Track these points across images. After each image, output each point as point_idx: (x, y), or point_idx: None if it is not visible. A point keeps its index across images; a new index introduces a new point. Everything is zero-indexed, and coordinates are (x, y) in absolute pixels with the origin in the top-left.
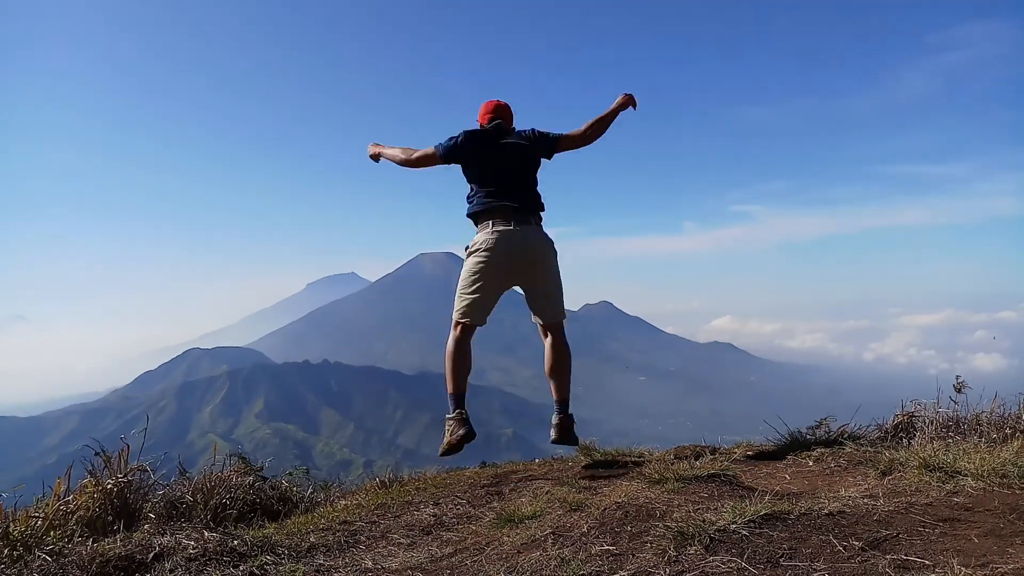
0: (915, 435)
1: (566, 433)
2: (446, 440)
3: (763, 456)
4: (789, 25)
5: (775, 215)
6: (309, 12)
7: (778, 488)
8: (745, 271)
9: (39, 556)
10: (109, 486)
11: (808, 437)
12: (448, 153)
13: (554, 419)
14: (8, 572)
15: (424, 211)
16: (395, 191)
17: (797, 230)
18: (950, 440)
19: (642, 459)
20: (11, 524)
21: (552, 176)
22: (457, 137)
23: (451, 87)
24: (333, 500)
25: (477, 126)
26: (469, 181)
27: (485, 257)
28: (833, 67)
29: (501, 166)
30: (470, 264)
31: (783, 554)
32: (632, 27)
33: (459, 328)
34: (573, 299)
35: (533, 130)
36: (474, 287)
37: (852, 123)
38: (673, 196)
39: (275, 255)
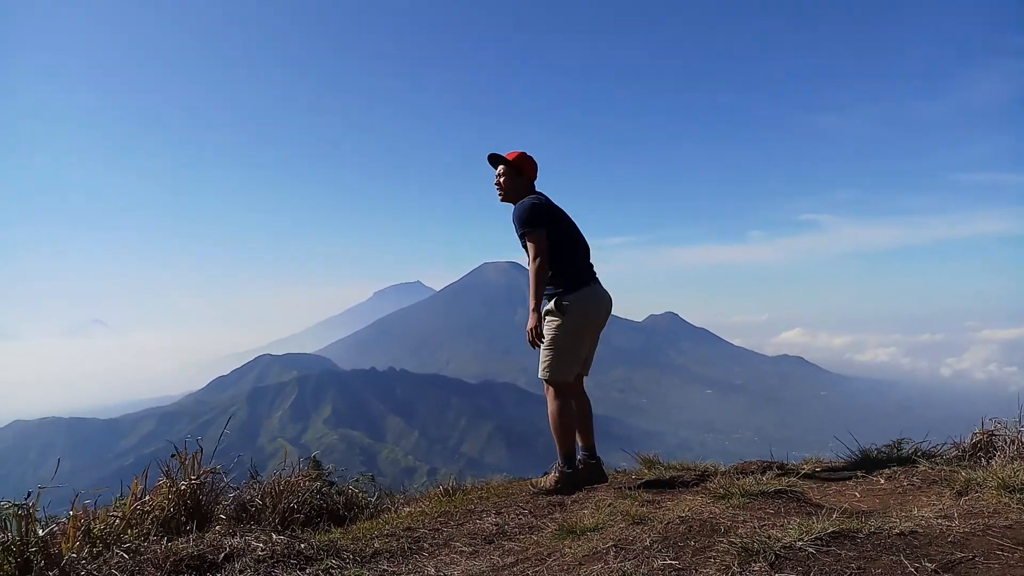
0: (994, 455)
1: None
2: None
3: (832, 473)
4: (860, 28)
5: (845, 225)
6: (397, 35)
7: (847, 506)
8: (814, 282)
9: (117, 553)
10: (183, 487)
11: (880, 454)
12: (549, 228)
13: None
14: (89, 568)
15: (488, 221)
16: (460, 200)
17: (868, 240)
18: None
19: (706, 473)
20: (92, 522)
21: (616, 183)
22: (541, 207)
23: (526, 104)
24: (397, 507)
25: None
26: (554, 243)
27: (594, 320)
28: (907, 71)
29: (576, 230)
30: (576, 326)
31: (851, 574)
32: (700, 31)
33: (564, 389)
34: (637, 309)
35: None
36: (579, 348)
37: (926, 130)
38: (739, 205)
39: (344, 264)
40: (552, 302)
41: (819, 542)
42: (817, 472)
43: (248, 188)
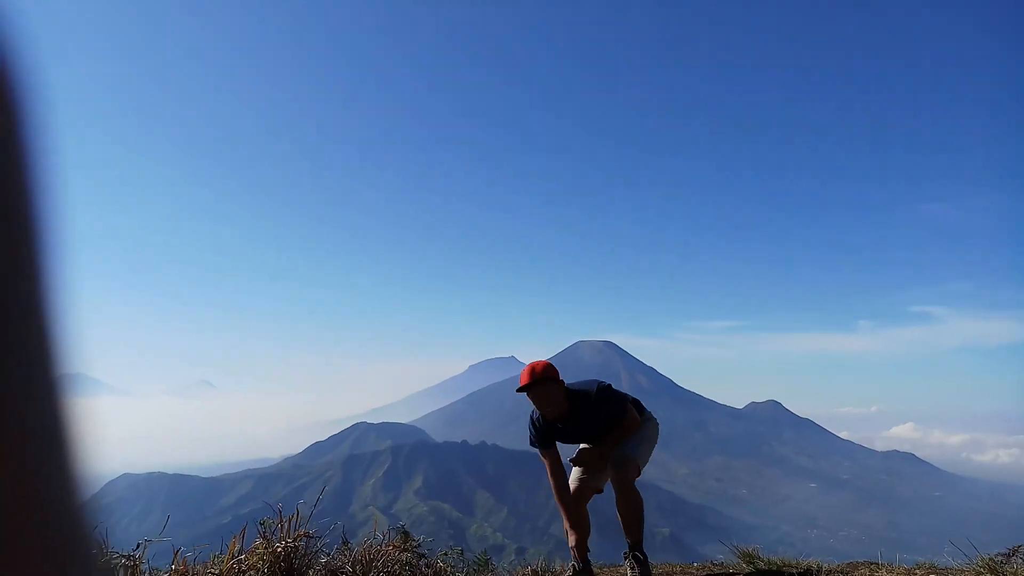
0: None
1: None
2: None
3: None
4: (977, 115)
5: (959, 317)
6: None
7: None
8: (927, 376)
9: None
10: (279, 549)
11: (1002, 563)
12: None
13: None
14: None
15: (583, 299)
16: (555, 278)
17: (984, 334)
18: None
19: (810, 572)
20: None
21: (722, 266)
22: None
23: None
24: None
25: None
26: None
27: None
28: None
29: None
30: (655, 434)
31: None
32: (815, 115)
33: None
34: (738, 397)
35: None
36: None
37: None
38: (848, 293)
39: (441, 337)
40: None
41: None
42: None
43: (354, 261)
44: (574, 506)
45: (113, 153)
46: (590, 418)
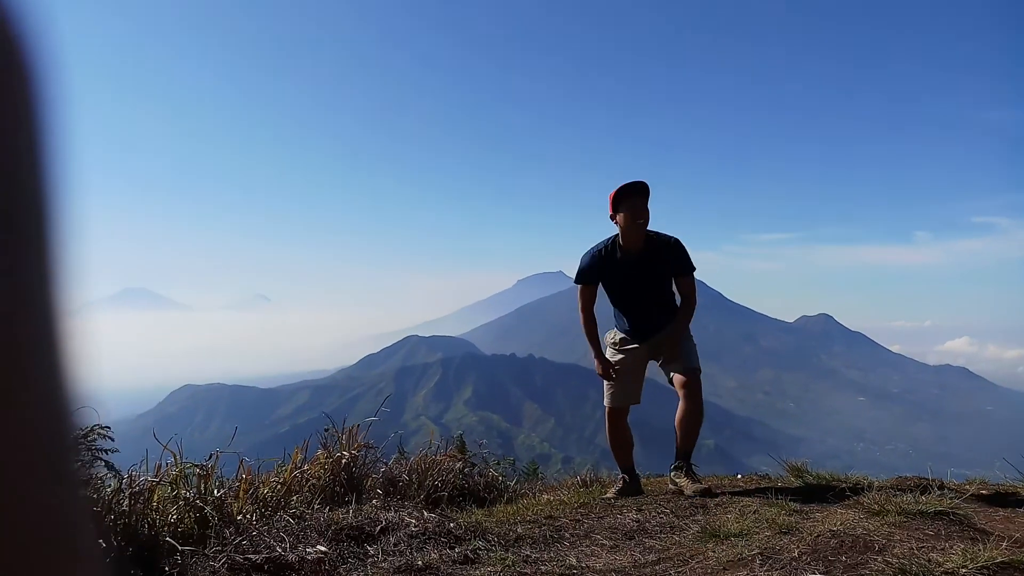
0: None
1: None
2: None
3: (1000, 497)
4: None
5: (1021, 228)
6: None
7: (1017, 535)
8: (985, 289)
9: (284, 518)
10: (342, 460)
11: None
12: None
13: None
14: (260, 528)
15: None
16: (603, 192)
17: None
18: None
19: (859, 487)
20: (260, 486)
21: (774, 177)
22: None
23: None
24: (537, 493)
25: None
26: None
27: None
28: None
29: None
30: None
31: None
32: (869, 25)
33: None
34: (789, 310)
35: None
36: None
37: None
38: (905, 204)
39: (490, 251)
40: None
41: (985, 571)
42: (983, 494)
43: (407, 176)
44: (619, 420)
45: (164, 55)
46: (660, 262)
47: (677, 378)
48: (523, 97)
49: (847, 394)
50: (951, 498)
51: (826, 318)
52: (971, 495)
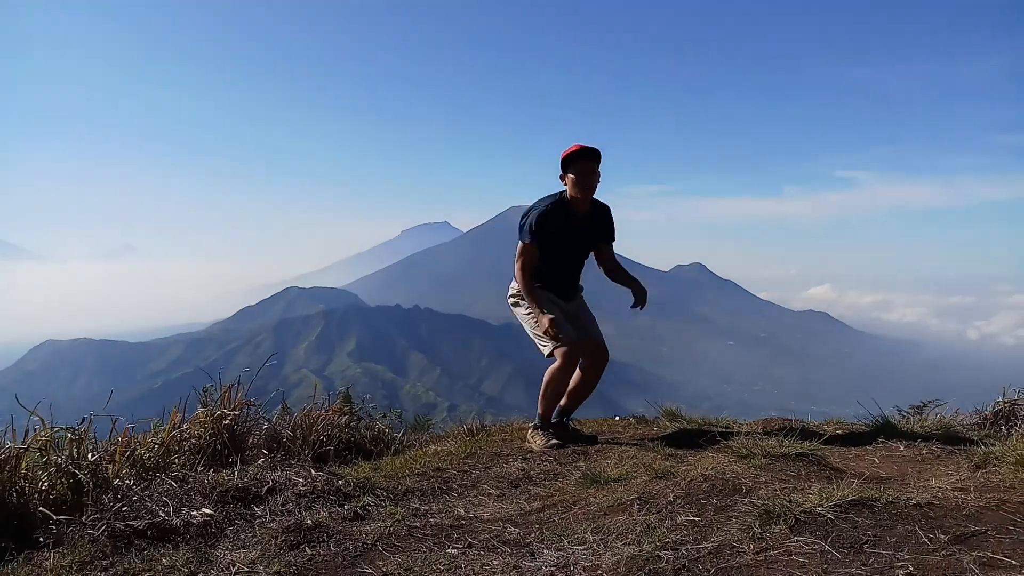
0: (1017, 424)
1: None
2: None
3: (853, 436)
4: None
5: (881, 183)
6: None
7: (867, 472)
8: (847, 239)
9: (165, 481)
10: (224, 421)
11: (901, 420)
12: None
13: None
14: (141, 493)
15: (517, 164)
16: (489, 141)
17: (904, 199)
18: None
19: (729, 430)
20: (137, 448)
21: (652, 130)
22: None
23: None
24: (423, 444)
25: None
26: None
27: None
28: (953, 26)
29: None
30: None
31: (867, 541)
32: None
33: None
34: (665, 259)
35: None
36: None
37: (971, 88)
38: (774, 158)
39: (373, 201)
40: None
41: (838, 509)
42: (840, 434)
43: (283, 119)
44: (575, 362)
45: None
46: (597, 226)
47: (590, 354)
48: (408, 38)
49: (718, 339)
50: (811, 440)
51: (700, 267)
52: (829, 436)
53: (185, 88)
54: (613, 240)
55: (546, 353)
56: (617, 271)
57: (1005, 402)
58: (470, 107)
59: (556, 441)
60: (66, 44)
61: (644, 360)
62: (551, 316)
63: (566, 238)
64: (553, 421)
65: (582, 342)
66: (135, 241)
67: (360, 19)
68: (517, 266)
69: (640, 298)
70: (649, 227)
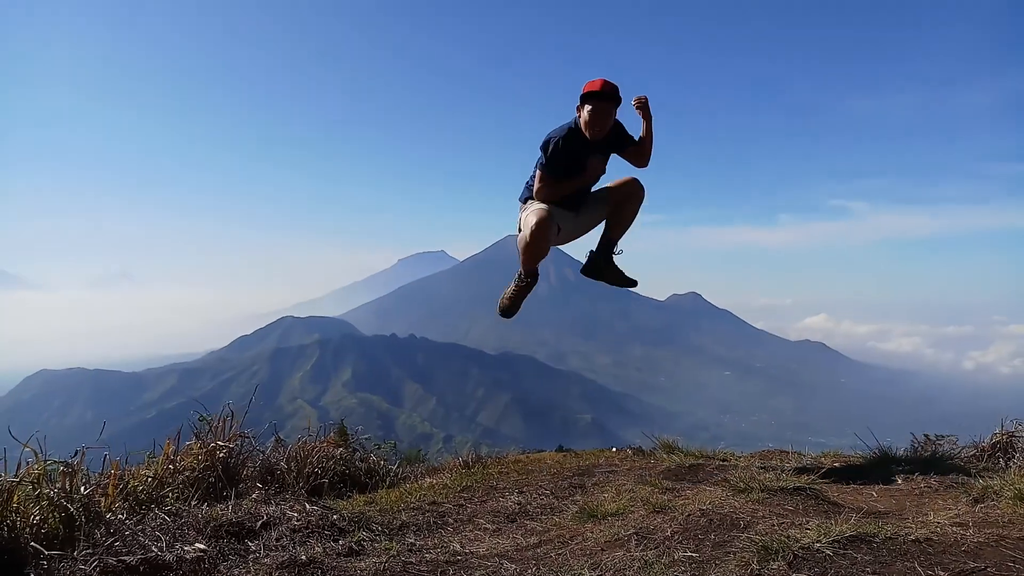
0: (1014, 456)
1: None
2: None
3: (851, 469)
4: (902, 13)
5: (876, 212)
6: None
7: (865, 507)
8: (842, 269)
9: (158, 515)
10: (220, 454)
11: (899, 452)
12: None
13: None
14: (133, 528)
15: (513, 194)
16: (486, 172)
17: (899, 228)
18: None
19: (727, 462)
20: (131, 481)
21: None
22: None
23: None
24: (419, 477)
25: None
26: None
27: None
28: (948, 57)
29: None
30: None
31: None
32: (738, 13)
33: None
34: (661, 289)
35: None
36: None
37: (965, 118)
38: (769, 188)
39: (370, 230)
40: None
41: (837, 544)
42: (837, 467)
43: (281, 149)
44: (548, 230)
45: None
46: (613, 142)
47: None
48: (402, 71)
49: (714, 369)
50: (808, 473)
51: (695, 296)
52: (826, 469)
53: (182, 116)
54: (632, 143)
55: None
56: (647, 155)
57: (1003, 434)
58: (468, 137)
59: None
60: (57, 69)
61: (641, 390)
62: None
63: (583, 162)
64: (595, 255)
65: (555, 225)
66: (130, 269)
67: (358, 44)
68: (536, 186)
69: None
70: (644, 257)
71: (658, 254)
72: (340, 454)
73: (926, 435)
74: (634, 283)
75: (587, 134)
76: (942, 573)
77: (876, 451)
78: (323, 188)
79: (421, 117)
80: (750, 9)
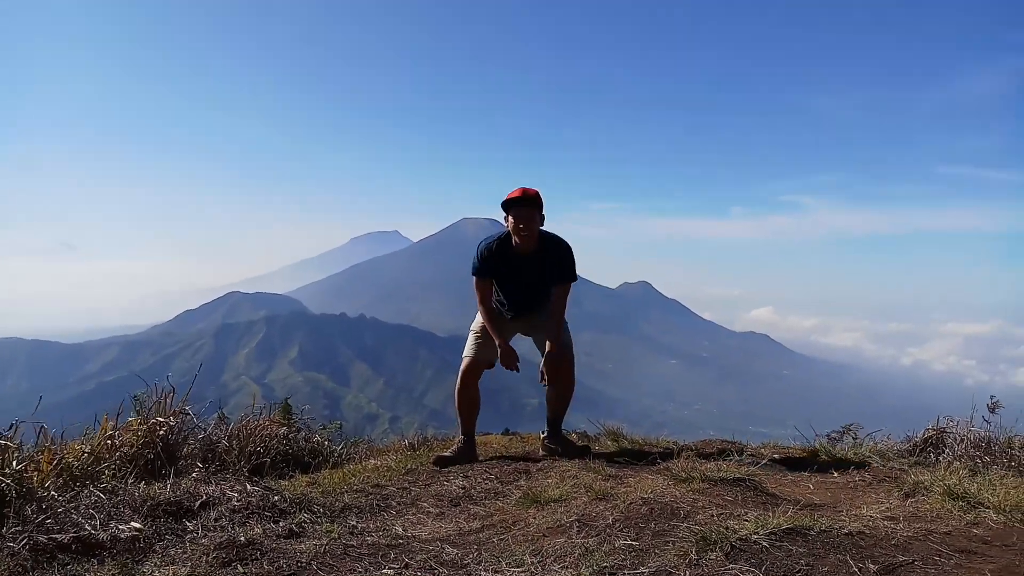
0: (944, 451)
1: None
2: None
3: (790, 461)
4: (860, 12)
5: (825, 208)
6: None
7: (802, 499)
8: (791, 263)
9: (93, 492)
10: (161, 431)
11: (835, 445)
12: None
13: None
14: (67, 505)
15: (469, 176)
16: (444, 153)
17: (847, 225)
18: (978, 460)
19: (669, 451)
20: (65, 456)
21: (604, 148)
22: None
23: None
24: (362, 457)
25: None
26: None
27: None
28: (902, 59)
29: None
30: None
31: (800, 570)
32: (695, 6)
33: None
34: (611, 277)
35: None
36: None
37: (915, 119)
38: (724, 180)
39: (323, 207)
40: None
41: (773, 536)
42: (776, 458)
43: (231, 118)
44: (473, 377)
45: None
46: (548, 265)
47: (549, 356)
48: (361, 44)
49: (662, 357)
50: (748, 464)
51: (646, 285)
52: (766, 460)
53: (131, 82)
54: (569, 280)
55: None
56: (553, 315)
57: (935, 429)
58: (424, 115)
59: (453, 452)
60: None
61: (589, 376)
62: (507, 354)
63: (515, 276)
64: (544, 434)
65: (485, 361)
66: (75, 239)
67: (318, 22)
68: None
69: (546, 364)
70: (598, 243)
71: (611, 241)
72: (283, 433)
73: (843, 427)
74: (587, 451)
75: (518, 240)
76: (872, 566)
77: (814, 444)
78: (277, 162)
79: (380, 93)
80: (708, 5)
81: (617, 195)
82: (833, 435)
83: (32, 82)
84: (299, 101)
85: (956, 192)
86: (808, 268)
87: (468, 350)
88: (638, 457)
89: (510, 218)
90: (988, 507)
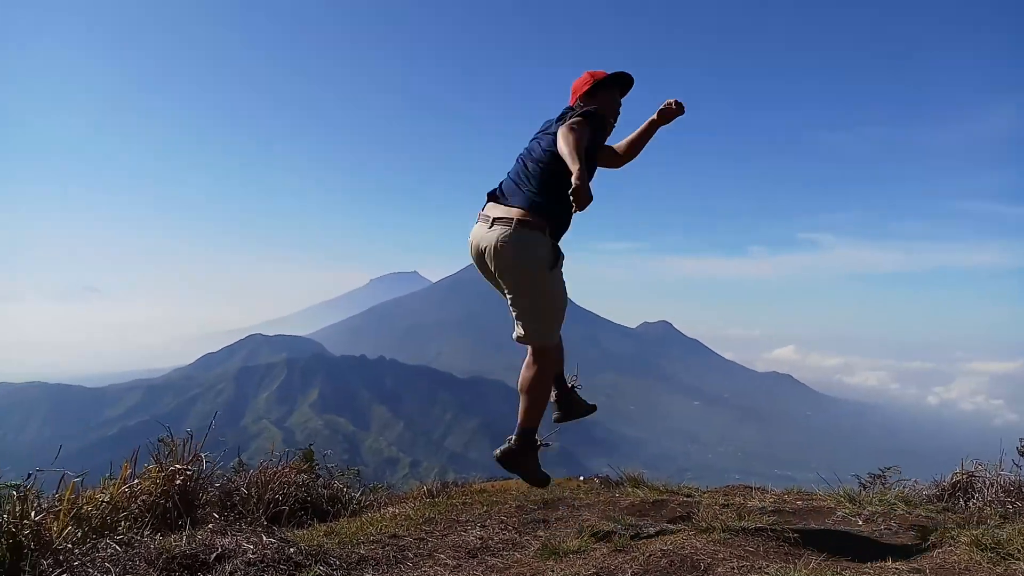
0: (973, 496)
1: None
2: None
3: (814, 509)
4: (878, 49)
5: (845, 246)
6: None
7: (825, 550)
8: (811, 301)
9: (110, 544)
10: (178, 480)
11: (861, 491)
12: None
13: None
14: (82, 558)
15: None
16: (462, 193)
17: (867, 263)
18: (1009, 506)
19: (691, 497)
20: (84, 505)
21: (619, 190)
22: None
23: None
24: (381, 505)
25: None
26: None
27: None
28: (919, 97)
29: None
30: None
31: None
32: (719, 40)
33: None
34: (631, 316)
35: (568, 109)
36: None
37: (934, 155)
38: (742, 219)
39: (343, 249)
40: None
41: None
42: (799, 506)
43: (254, 166)
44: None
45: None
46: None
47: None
48: (377, 83)
49: (683, 398)
50: (770, 513)
51: (666, 325)
52: (789, 508)
53: (154, 127)
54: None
55: (538, 339)
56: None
57: (962, 473)
58: (442, 156)
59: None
60: (20, 78)
61: (609, 418)
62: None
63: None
64: (555, 395)
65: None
66: (98, 283)
67: (335, 59)
68: (572, 139)
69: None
70: (617, 284)
71: (629, 281)
72: (302, 480)
73: (877, 472)
74: (546, 482)
75: (611, 122)
76: None
77: (839, 490)
78: (297, 205)
79: (398, 139)
80: (722, 45)
81: (631, 235)
82: (866, 480)
83: (56, 126)
84: (319, 145)
85: (975, 228)
86: (828, 306)
87: (554, 319)
88: (659, 505)
89: (617, 97)
90: (1019, 559)
